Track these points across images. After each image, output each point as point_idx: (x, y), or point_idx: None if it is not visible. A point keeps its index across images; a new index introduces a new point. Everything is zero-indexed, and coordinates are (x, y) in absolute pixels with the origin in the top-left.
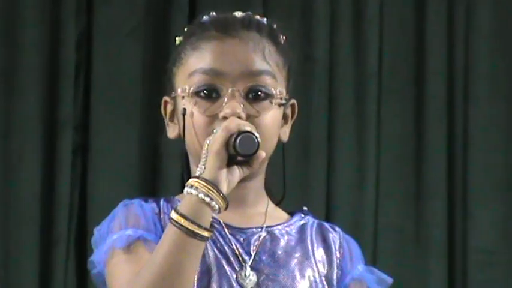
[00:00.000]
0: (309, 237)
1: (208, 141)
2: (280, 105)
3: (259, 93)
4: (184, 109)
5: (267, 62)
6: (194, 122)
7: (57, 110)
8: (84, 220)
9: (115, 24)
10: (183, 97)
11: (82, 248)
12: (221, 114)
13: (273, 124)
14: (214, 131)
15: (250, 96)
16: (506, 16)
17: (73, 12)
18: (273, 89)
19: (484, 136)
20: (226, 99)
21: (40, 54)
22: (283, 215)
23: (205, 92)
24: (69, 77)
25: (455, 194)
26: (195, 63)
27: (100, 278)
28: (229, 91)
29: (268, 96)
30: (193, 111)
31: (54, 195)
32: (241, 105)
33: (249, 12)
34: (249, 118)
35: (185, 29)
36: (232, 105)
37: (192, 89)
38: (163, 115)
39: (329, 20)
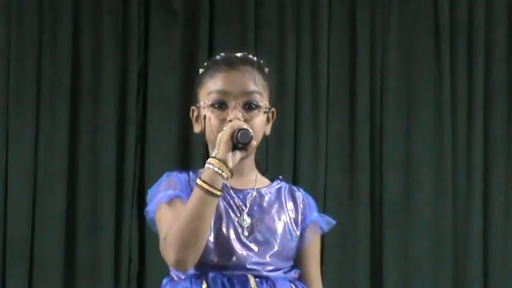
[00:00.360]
0: (283, 195)
1: (220, 135)
2: (265, 112)
3: (252, 105)
4: (205, 115)
5: (256, 85)
6: (211, 123)
7: (125, 113)
8: (143, 184)
9: (162, 61)
10: (204, 107)
11: (141, 202)
12: (228, 119)
13: (260, 124)
14: (224, 128)
15: (246, 107)
16: (408, 56)
17: (135, 54)
18: (260, 103)
19: (394, 133)
20: (231, 109)
21: (115, 80)
22: (266, 181)
23: (217, 104)
24: (133, 93)
25: (375, 167)
26: (212, 86)
27: (152, 221)
28: (233, 104)
29: (258, 107)
30: (211, 117)
31: (124, 169)
32: (241, 113)
33: (245, 53)
34: (245, 121)
35: (205, 64)
36: (235, 113)
37: (209, 102)
38: (191, 118)
39: (295, 58)
